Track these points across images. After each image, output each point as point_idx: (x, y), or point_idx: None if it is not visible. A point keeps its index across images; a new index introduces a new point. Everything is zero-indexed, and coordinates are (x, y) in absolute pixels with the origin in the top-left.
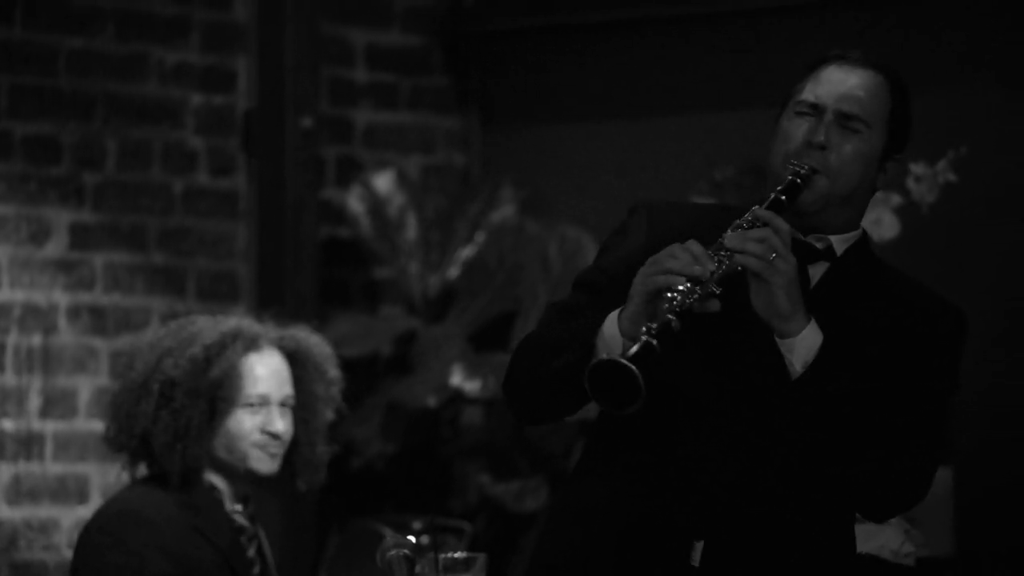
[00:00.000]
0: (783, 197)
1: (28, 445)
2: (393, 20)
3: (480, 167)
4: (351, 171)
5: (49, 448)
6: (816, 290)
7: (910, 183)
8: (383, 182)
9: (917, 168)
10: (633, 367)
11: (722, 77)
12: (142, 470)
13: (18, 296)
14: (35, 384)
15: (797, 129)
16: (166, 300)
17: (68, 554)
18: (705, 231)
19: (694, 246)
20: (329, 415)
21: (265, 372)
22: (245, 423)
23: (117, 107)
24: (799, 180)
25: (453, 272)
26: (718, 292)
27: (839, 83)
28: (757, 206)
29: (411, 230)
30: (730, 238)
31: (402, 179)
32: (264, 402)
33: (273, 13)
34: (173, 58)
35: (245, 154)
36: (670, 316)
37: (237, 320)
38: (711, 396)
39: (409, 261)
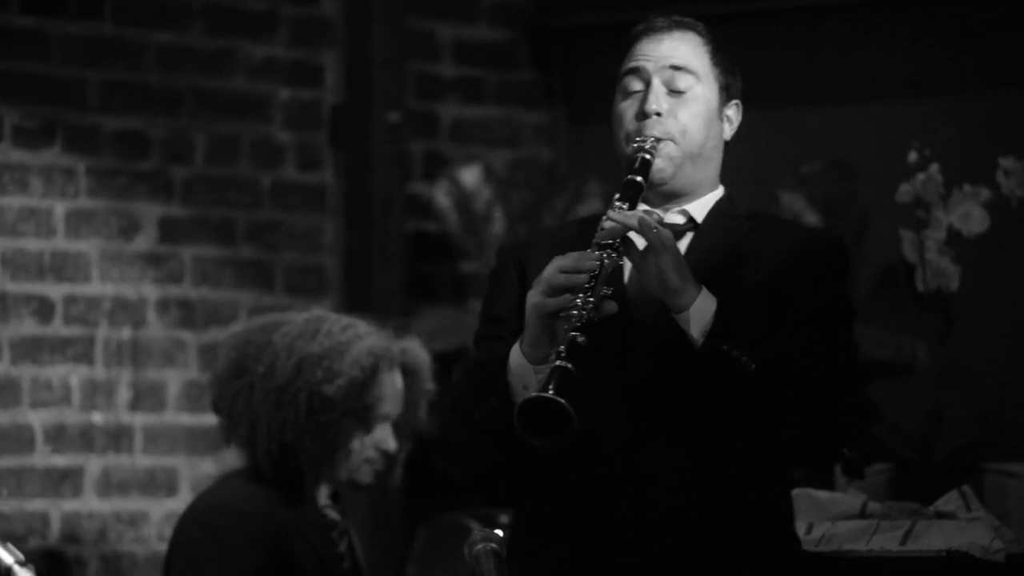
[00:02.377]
0: (638, 178)
1: (118, 438)
2: (480, 14)
3: (566, 161)
4: (438, 165)
5: (138, 441)
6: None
7: (1000, 177)
8: (470, 176)
9: (1006, 162)
10: (560, 400)
11: (809, 72)
12: (230, 460)
13: (108, 289)
14: (124, 377)
15: (630, 109)
16: (254, 294)
17: (158, 546)
18: (575, 245)
19: (571, 255)
20: (416, 420)
21: (393, 392)
22: (364, 437)
23: (205, 102)
24: (647, 155)
25: None
26: (610, 292)
27: (654, 50)
28: (617, 194)
29: (498, 224)
30: (605, 230)
31: (489, 173)
32: (385, 419)
33: (360, 8)
34: (261, 53)
35: (332, 148)
36: (574, 333)
37: (369, 331)
38: (624, 393)
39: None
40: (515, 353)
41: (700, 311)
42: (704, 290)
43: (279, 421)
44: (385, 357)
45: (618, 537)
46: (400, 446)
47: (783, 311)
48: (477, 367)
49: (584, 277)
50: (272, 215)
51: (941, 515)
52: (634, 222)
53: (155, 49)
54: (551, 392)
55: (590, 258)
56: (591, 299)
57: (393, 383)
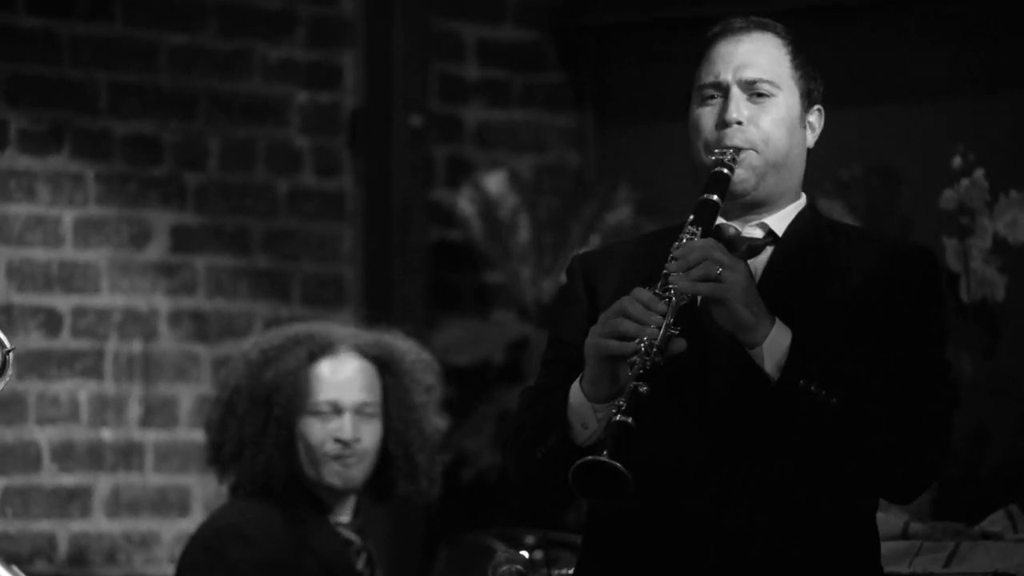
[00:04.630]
0: (713, 197)
1: (128, 455)
2: (505, 14)
3: (595, 167)
4: (461, 171)
5: (150, 458)
6: (765, 280)
7: None
8: (494, 183)
9: None
10: (616, 464)
11: (849, 72)
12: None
13: (118, 301)
14: (135, 392)
15: (708, 116)
16: (270, 305)
17: (169, 569)
18: (643, 265)
19: (641, 294)
20: (434, 424)
21: (336, 378)
22: (317, 432)
23: (220, 105)
24: (725, 170)
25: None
26: (677, 331)
27: (732, 55)
28: (691, 216)
29: (524, 232)
30: (674, 274)
31: (514, 179)
32: (335, 409)
33: (381, 7)
34: (277, 54)
35: (352, 154)
36: (636, 383)
37: (316, 324)
38: (701, 422)
39: (522, 265)
40: (575, 390)
41: (773, 346)
42: (778, 323)
43: (209, 427)
44: (312, 340)
45: (693, 565)
46: (412, 453)
47: (869, 329)
48: (539, 397)
49: (655, 318)
50: (289, 223)
51: (987, 536)
52: (697, 276)
53: (167, 50)
54: (605, 455)
55: (659, 301)
56: (656, 344)
57: (335, 369)
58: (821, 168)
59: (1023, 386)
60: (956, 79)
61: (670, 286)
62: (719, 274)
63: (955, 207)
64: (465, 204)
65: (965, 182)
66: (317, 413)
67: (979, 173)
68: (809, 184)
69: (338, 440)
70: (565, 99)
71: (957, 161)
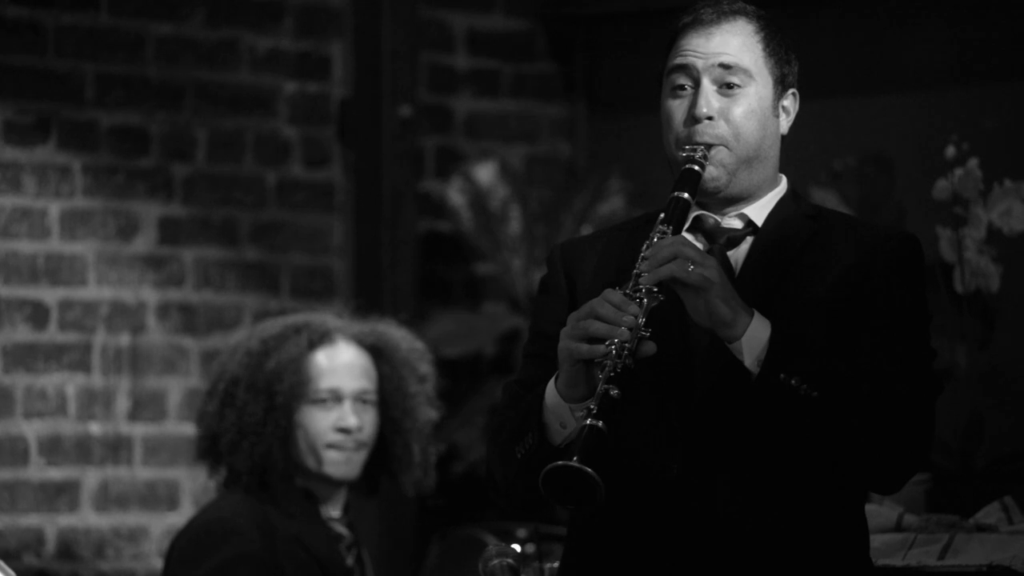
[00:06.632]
0: (684, 195)
1: (116, 449)
2: (495, 3)
3: (587, 157)
4: (451, 162)
5: (138, 452)
6: (745, 272)
7: None
8: (485, 173)
9: None
10: (587, 469)
11: (842, 61)
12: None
13: (105, 293)
14: (123, 385)
15: (678, 110)
16: (259, 297)
17: (158, 563)
18: (615, 257)
19: (612, 295)
20: (427, 414)
21: (335, 366)
22: (318, 421)
23: (207, 96)
24: (696, 167)
25: None
26: (648, 333)
27: (703, 45)
28: (662, 213)
29: (514, 223)
30: (645, 274)
31: (505, 170)
32: (336, 397)
33: None
34: (265, 44)
35: (341, 145)
36: (607, 387)
37: (310, 314)
38: (682, 420)
39: (512, 256)
40: (551, 391)
41: (752, 339)
42: (757, 315)
43: (203, 417)
44: (309, 329)
45: (678, 561)
46: (409, 442)
47: (851, 318)
48: (520, 393)
49: (628, 319)
50: (277, 215)
51: (981, 528)
52: (668, 273)
53: (154, 41)
54: (575, 460)
55: (631, 302)
56: (627, 345)
57: (334, 357)
58: (814, 158)
59: (1018, 378)
60: (950, 68)
61: (641, 286)
62: (691, 271)
63: (949, 197)
64: (455, 195)
65: (959, 172)
66: (317, 401)
67: (973, 163)
68: (802, 174)
69: (340, 429)
70: (556, 89)
71: (951, 151)
